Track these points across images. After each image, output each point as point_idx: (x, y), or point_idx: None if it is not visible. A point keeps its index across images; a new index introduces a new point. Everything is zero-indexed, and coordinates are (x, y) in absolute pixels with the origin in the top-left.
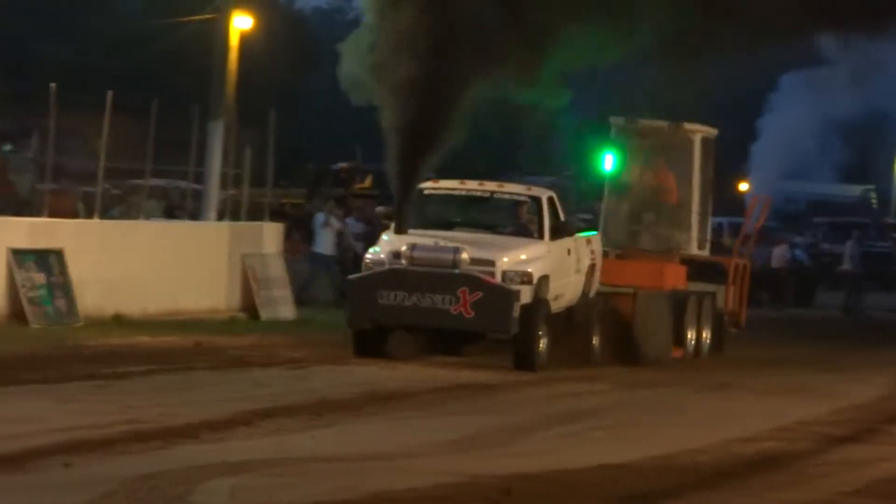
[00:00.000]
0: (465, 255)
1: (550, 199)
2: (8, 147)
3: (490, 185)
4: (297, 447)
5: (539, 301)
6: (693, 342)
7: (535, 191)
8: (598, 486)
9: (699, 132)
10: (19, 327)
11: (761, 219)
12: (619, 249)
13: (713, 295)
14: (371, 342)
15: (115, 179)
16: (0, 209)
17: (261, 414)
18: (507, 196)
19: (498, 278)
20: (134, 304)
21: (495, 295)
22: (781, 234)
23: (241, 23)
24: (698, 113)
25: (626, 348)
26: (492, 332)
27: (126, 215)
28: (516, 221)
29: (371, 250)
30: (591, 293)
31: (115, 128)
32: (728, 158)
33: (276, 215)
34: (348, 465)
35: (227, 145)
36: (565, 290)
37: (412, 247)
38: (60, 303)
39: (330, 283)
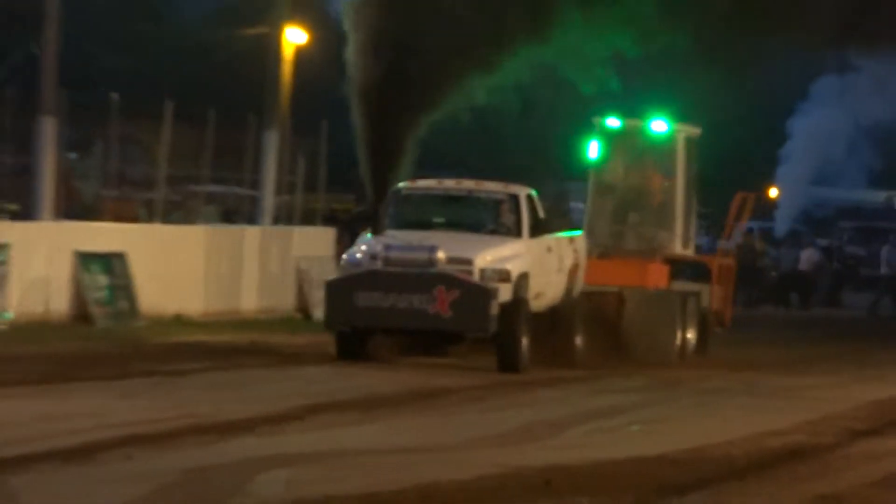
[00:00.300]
0: (440, 254)
1: (529, 197)
2: (73, 155)
3: (468, 184)
4: (347, 441)
5: (519, 300)
6: (679, 342)
7: (514, 189)
8: (635, 476)
9: (682, 131)
10: (84, 327)
11: (745, 217)
12: (600, 249)
13: (698, 295)
14: (352, 344)
15: (175, 185)
16: (66, 214)
17: (312, 409)
18: (484, 194)
19: (476, 277)
20: (193, 304)
21: (472, 293)
22: (809, 237)
23: (295, 37)
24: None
25: (612, 348)
26: (470, 331)
27: (185, 220)
28: (495, 220)
29: (347, 252)
30: (575, 293)
31: (174, 136)
32: (757, 162)
33: (327, 220)
34: (396, 457)
35: (281, 153)
36: (547, 289)
37: (387, 247)
38: (123, 303)
39: None
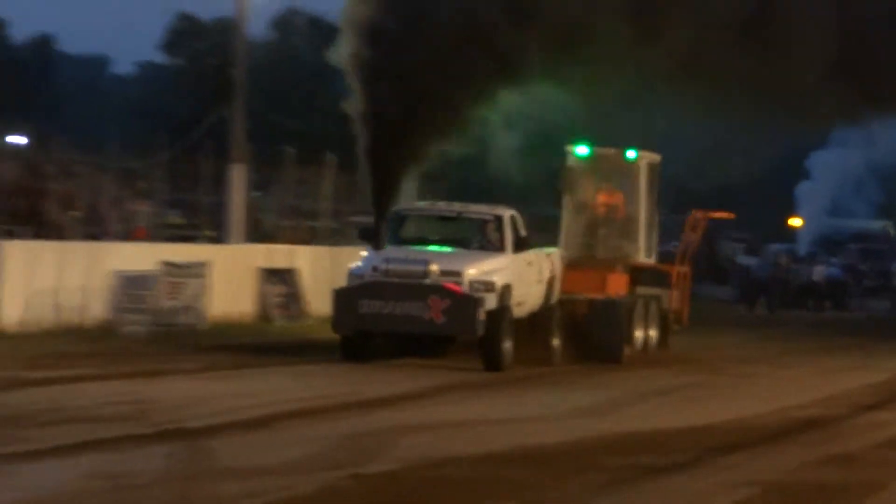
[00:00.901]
0: (433, 267)
1: (512, 218)
2: (257, 193)
3: (457, 206)
4: (463, 414)
5: (503, 307)
6: (641, 340)
7: (499, 210)
8: (690, 440)
9: (644, 158)
10: (265, 325)
11: (697, 233)
12: (568, 261)
13: (658, 298)
14: (355, 347)
15: (335, 216)
16: (251, 239)
17: (444, 388)
18: (472, 215)
19: (465, 287)
20: None
21: (462, 302)
22: (823, 256)
23: None
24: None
25: (582, 348)
26: (460, 334)
27: (342, 243)
28: (482, 237)
29: (352, 265)
30: (553, 301)
31: (335, 178)
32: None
33: None
34: (514, 425)
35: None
36: (527, 298)
37: (387, 260)
38: (294, 307)
39: None
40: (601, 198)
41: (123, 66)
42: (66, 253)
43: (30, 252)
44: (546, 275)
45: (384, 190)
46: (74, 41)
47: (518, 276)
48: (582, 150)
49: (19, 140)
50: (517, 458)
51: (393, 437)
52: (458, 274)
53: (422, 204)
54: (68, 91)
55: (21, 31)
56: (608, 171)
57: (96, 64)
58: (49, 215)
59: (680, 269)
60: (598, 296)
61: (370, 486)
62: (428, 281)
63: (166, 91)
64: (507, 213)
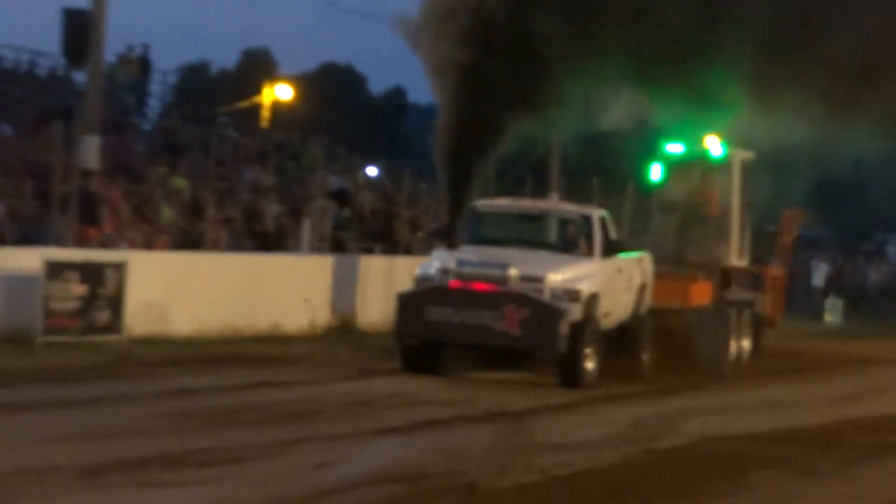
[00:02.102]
0: (513, 272)
1: (602, 219)
2: None
3: (542, 204)
4: (740, 399)
5: (588, 319)
6: (735, 350)
7: (587, 210)
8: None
9: (739, 154)
10: None
11: (794, 231)
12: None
13: (752, 303)
14: (420, 358)
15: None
16: None
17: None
18: (558, 214)
19: (546, 295)
20: None
21: (543, 313)
22: None
23: None
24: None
25: (679, 361)
26: (538, 350)
27: None
28: (568, 239)
29: (421, 266)
30: (643, 311)
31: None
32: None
33: None
34: (769, 409)
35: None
36: (615, 308)
37: (460, 262)
38: None
39: None
40: (693, 197)
41: None
42: (414, 266)
43: (386, 265)
44: (636, 282)
45: (458, 182)
46: (421, 93)
47: (607, 283)
48: (675, 147)
49: (376, 172)
50: (781, 436)
51: (673, 421)
52: (538, 280)
53: (503, 200)
54: (415, 132)
55: (379, 85)
56: (700, 168)
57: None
58: (400, 235)
59: (774, 272)
60: (698, 304)
61: (661, 458)
62: (505, 288)
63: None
64: (596, 213)
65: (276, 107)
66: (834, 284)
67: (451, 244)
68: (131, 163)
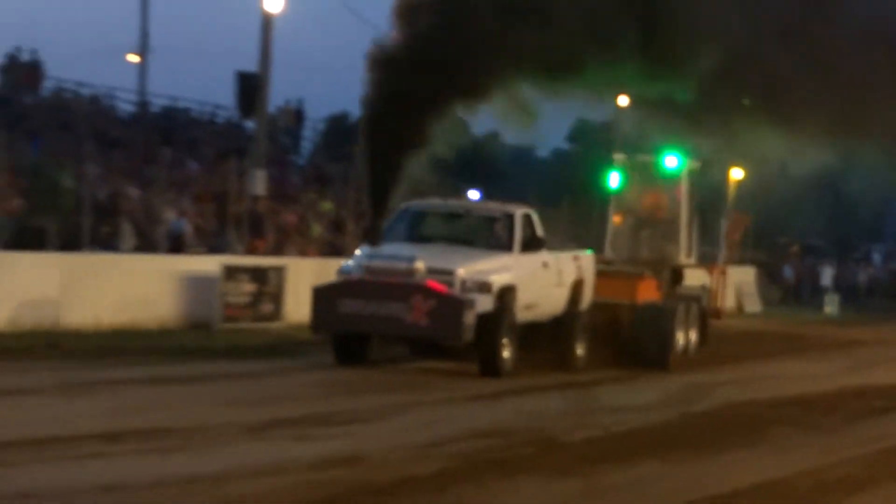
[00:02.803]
0: (419, 265)
1: (525, 216)
2: None
3: (467, 203)
4: (754, 373)
5: (502, 310)
6: (682, 343)
7: (510, 208)
8: (853, 399)
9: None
10: None
11: (737, 233)
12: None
13: (699, 298)
14: (348, 349)
15: None
16: None
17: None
18: (481, 212)
19: (457, 287)
20: None
21: (447, 304)
22: None
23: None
24: None
25: (620, 354)
26: (445, 340)
27: None
28: (489, 235)
29: (344, 263)
30: (583, 306)
31: None
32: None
33: None
34: (779, 380)
35: None
36: (542, 301)
37: (370, 257)
38: None
39: None
40: (645, 201)
41: (543, 152)
42: None
43: None
44: (570, 278)
45: (380, 183)
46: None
47: (527, 277)
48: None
49: (478, 196)
50: (790, 402)
51: (702, 391)
52: (449, 273)
53: (434, 200)
54: (508, 169)
55: (481, 128)
56: (652, 175)
57: (526, 151)
58: None
59: (719, 268)
60: (642, 300)
61: (695, 419)
62: (412, 280)
63: (571, 168)
64: (519, 210)
65: None
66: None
67: (374, 241)
68: (289, 191)
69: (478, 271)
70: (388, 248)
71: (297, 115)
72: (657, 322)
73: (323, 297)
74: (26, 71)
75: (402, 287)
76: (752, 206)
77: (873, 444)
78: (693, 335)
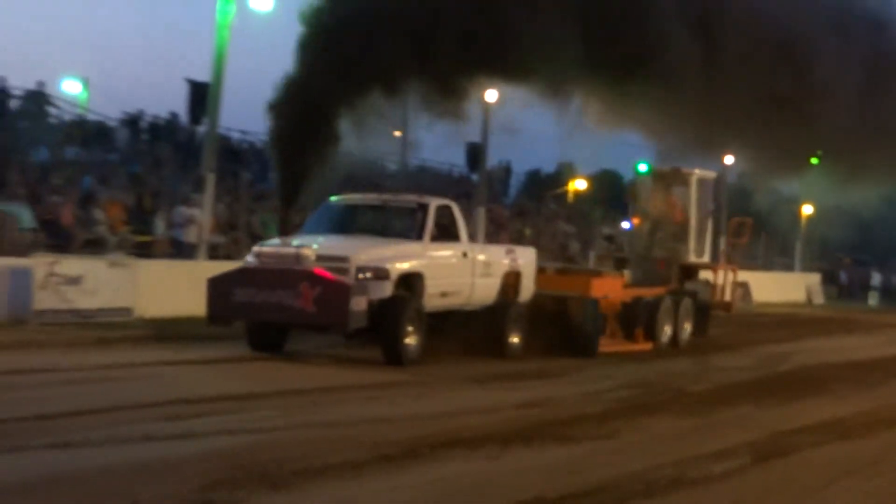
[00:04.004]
0: (307, 252)
1: (441, 208)
2: None
3: (386, 196)
4: (820, 345)
5: (401, 297)
6: (669, 333)
7: (426, 200)
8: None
9: (695, 174)
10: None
11: (744, 237)
12: (558, 266)
13: (695, 293)
14: (263, 337)
15: None
16: None
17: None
18: (398, 204)
19: (352, 274)
20: None
21: (333, 290)
22: None
23: None
24: None
25: (563, 342)
26: (331, 326)
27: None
28: (402, 226)
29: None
30: (521, 297)
31: None
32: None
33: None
34: (837, 351)
35: None
36: (461, 290)
37: (261, 245)
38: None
39: None
40: (659, 206)
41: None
42: None
43: None
44: (500, 270)
45: (289, 178)
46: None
47: (439, 266)
48: (642, 167)
49: (628, 226)
50: (846, 365)
51: (784, 357)
52: (343, 259)
53: (354, 195)
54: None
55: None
56: (668, 185)
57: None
58: None
59: (725, 267)
60: (574, 293)
61: (779, 376)
62: (300, 267)
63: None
64: (435, 202)
65: (576, 192)
66: (882, 282)
67: (284, 233)
68: (501, 221)
69: (375, 258)
70: (294, 239)
71: (507, 171)
72: (594, 314)
73: (218, 286)
74: None
75: (290, 274)
76: (819, 228)
77: None
78: (687, 326)
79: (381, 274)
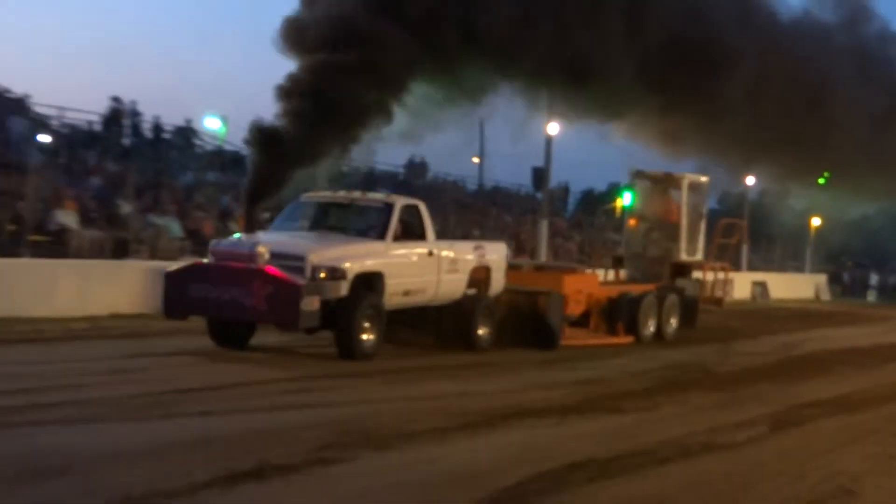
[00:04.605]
0: (261, 250)
1: (406, 207)
2: None
3: (353, 195)
4: (825, 334)
5: (358, 295)
6: (652, 329)
7: (392, 199)
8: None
9: (686, 178)
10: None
11: (735, 238)
12: (536, 264)
13: (682, 290)
14: (224, 332)
15: None
16: None
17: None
18: (364, 203)
19: (307, 272)
20: None
21: (284, 289)
22: None
23: None
24: None
25: (533, 333)
26: (283, 325)
27: None
28: (367, 225)
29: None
30: (492, 290)
31: None
32: None
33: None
34: (840, 339)
35: None
36: (426, 287)
37: (217, 243)
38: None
39: None
40: (656, 209)
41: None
42: None
43: None
44: (467, 266)
45: (263, 179)
46: None
47: (401, 264)
48: (640, 173)
49: None
50: (847, 350)
51: (795, 344)
52: (299, 258)
53: (324, 193)
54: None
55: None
56: (662, 188)
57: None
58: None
59: (714, 266)
60: (544, 289)
61: (791, 359)
62: (253, 265)
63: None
64: (400, 202)
65: (622, 207)
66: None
67: (249, 230)
68: (562, 233)
69: (332, 258)
70: (256, 236)
71: (565, 190)
72: (559, 308)
73: (174, 281)
74: (418, 169)
75: (242, 272)
76: (830, 236)
77: None
78: (673, 320)
79: (336, 274)
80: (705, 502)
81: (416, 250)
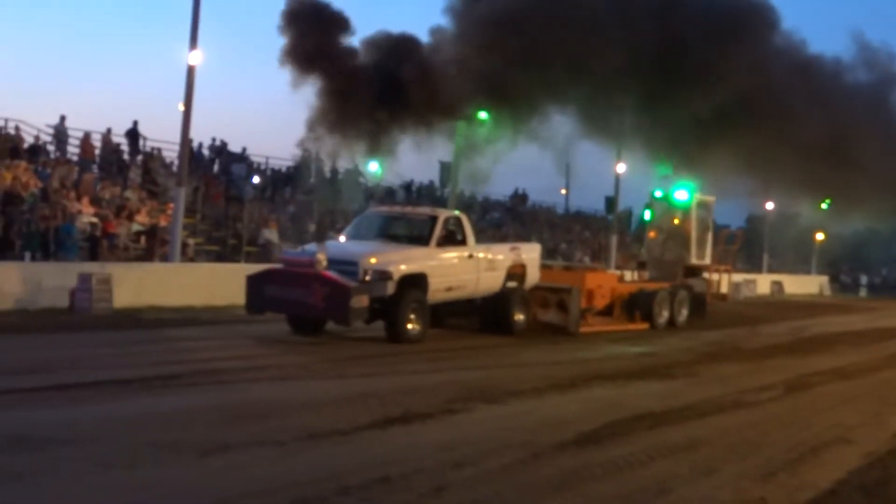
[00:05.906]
0: (320, 257)
1: (448, 219)
2: None
3: (406, 209)
4: (831, 321)
5: (406, 294)
6: (666, 318)
7: (437, 212)
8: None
9: (696, 198)
10: None
11: (736, 245)
12: (566, 264)
13: (690, 287)
14: (300, 323)
15: None
16: None
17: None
18: (413, 216)
19: (361, 275)
20: None
21: (337, 290)
22: None
23: None
24: None
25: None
26: (337, 320)
27: None
28: (415, 234)
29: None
30: (527, 285)
31: None
32: None
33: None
34: (843, 324)
35: None
36: (466, 284)
37: (284, 251)
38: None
39: None
40: (668, 221)
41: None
42: None
43: None
44: (504, 264)
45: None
46: None
47: (444, 266)
48: (658, 192)
49: None
50: (850, 333)
51: (806, 327)
52: (353, 263)
53: (385, 206)
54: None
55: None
56: (674, 205)
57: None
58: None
59: (719, 267)
60: (564, 285)
61: (803, 340)
62: (312, 270)
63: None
64: (444, 214)
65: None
66: (868, 281)
67: (319, 239)
68: (626, 245)
69: (381, 262)
70: (327, 244)
71: (629, 213)
72: (572, 301)
73: (253, 282)
74: (520, 198)
75: (304, 276)
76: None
77: (886, 352)
78: (684, 311)
79: (384, 276)
80: (734, 444)
81: (457, 254)
